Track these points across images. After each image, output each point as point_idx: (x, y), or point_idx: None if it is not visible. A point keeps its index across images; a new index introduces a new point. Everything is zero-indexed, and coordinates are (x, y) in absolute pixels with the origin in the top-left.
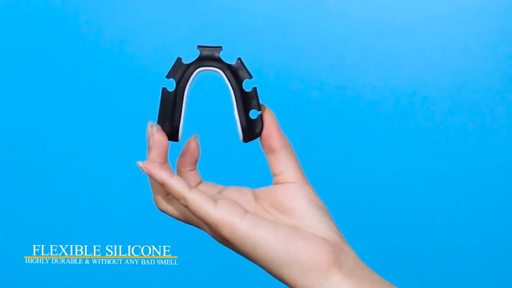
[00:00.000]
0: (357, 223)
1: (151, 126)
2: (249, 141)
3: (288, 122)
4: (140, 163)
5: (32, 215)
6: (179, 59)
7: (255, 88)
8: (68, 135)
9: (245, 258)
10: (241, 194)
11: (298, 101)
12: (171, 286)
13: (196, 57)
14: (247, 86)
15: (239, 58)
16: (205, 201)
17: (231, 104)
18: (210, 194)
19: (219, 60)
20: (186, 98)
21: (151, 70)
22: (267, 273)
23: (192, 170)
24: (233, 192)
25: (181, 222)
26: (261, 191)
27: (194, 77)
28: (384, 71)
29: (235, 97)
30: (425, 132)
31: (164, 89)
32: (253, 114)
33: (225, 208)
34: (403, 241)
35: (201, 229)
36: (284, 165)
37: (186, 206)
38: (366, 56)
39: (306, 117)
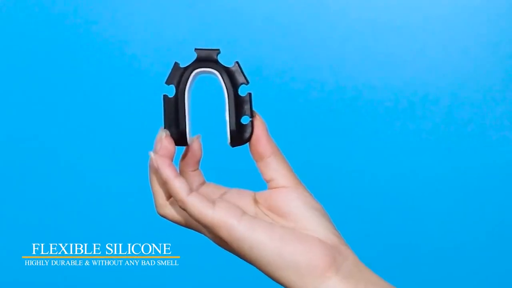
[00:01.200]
0: (357, 223)
1: (162, 132)
2: (236, 146)
3: (288, 122)
4: (152, 154)
5: (32, 214)
6: (176, 64)
7: (250, 94)
8: (66, 133)
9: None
10: (242, 197)
11: (298, 101)
12: (172, 285)
13: (193, 59)
14: (242, 91)
15: (237, 62)
16: (203, 204)
17: (224, 107)
18: (212, 196)
19: (216, 62)
20: (188, 101)
21: (151, 70)
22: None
23: (194, 170)
24: (234, 194)
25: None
26: (260, 195)
27: (192, 80)
28: (384, 71)
29: (229, 100)
30: (425, 132)
31: (165, 96)
32: (245, 120)
33: (223, 210)
34: (403, 241)
35: (201, 233)
36: (275, 171)
37: (184, 209)
38: (366, 56)
39: (306, 117)
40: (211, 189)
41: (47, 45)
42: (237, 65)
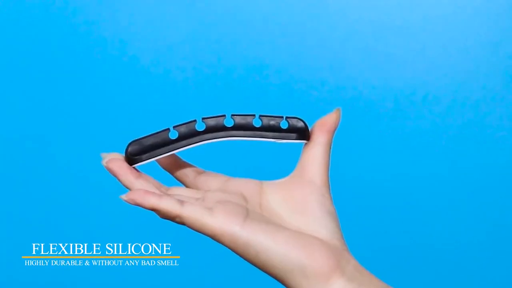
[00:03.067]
0: (357, 224)
1: (103, 158)
2: (308, 137)
3: None
4: (123, 197)
5: (32, 214)
6: (194, 122)
7: (261, 116)
8: (66, 133)
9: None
10: (247, 186)
11: (298, 101)
12: (172, 285)
13: (203, 128)
14: (256, 122)
15: (232, 114)
16: (201, 213)
17: (268, 143)
18: (213, 186)
19: (224, 128)
20: (173, 153)
21: (151, 70)
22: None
23: (184, 167)
24: (238, 183)
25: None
26: (274, 183)
27: (195, 146)
28: (384, 71)
29: (262, 137)
30: (425, 132)
31: (168, 130)
32: (284, 124)
33: (223, 217)
34: (403, 241)
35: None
36: (317, 159)
37: (182, 223)
38: (366, 56)
39: (306, 117)
40: (213, 178)
41: (47, 45)
42: (235, 116)
